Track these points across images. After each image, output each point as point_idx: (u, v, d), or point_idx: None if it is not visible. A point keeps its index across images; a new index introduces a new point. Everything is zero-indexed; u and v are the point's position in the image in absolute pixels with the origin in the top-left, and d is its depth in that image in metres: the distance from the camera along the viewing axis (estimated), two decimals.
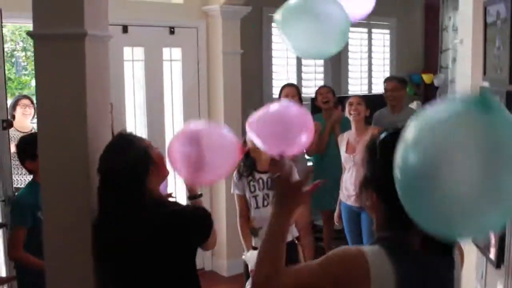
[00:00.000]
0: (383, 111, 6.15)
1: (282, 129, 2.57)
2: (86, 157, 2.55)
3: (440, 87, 8.59)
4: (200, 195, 2.88)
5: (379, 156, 1.82)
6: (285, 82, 7.01)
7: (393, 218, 1.76)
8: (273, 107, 2.74)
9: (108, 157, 2.52)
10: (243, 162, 4.20)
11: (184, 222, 2.51)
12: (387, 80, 6.19)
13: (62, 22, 2.50)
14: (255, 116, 2.67)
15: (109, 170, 2.50)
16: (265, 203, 4.15)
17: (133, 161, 2.49)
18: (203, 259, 6.08)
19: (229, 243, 5.91)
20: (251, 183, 4.18)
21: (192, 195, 2.85)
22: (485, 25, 3.14)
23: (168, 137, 5.63)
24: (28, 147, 3.41)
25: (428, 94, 8.70)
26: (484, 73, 3.22)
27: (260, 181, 4.16)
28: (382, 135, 1.88)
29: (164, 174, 2.68)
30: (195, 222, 2.56)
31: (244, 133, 5.81)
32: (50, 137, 2.58)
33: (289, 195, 1.97)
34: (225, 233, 5.91)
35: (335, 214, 5.34)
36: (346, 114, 5.19)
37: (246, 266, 4.13)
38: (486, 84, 3.22)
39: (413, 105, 8.05)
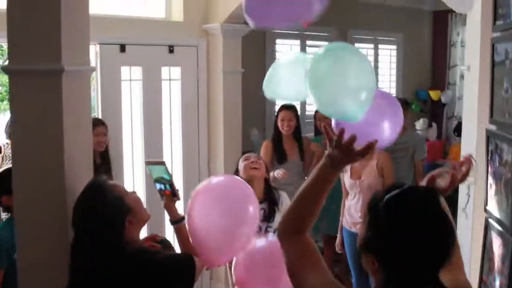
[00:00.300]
0: None
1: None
2: (63, 197, 2.41)
3: (447, 104, 8.43)
4: (183, 218, 2.74)
5: (383, 217, 1.67)
6: (288, 102, 6.89)
7: (392, 283, 1.68)
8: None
9: (80, 213, 2.37)
10: None
11: (165, 271, 2.37)
12: None
13: (38, 57, 2.35)
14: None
15: (83, 229, 2.35)
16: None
17: (107, 215, 2.34)
18: (201, 282, 5.92)
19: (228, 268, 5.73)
20: None
21: (174, 220, 2.72)
22: (493, 63, 2.96)
23: (166, 158, 5.49)
24: (5, 182, 3.24)
25: (435, 111, 8.55)
26: (491, 115, 3.04)
27: None
28: (387, 196, 1.71)
29: (144, 219, 2.53)
30: (176, 272, 2.42)
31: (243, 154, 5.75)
32: (26, 177, 2.43)
33: (343, 153, 1.94)
34: None
35: (337, 241, 5.17)
36: None
37: None
38: (493, 127, 3.05)
39: (419, 122, 7.90)
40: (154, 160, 2.79)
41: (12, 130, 2.48)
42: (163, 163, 2.76)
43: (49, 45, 2.35)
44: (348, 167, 4.92)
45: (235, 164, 5.57)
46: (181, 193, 5.48)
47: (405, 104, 5.87)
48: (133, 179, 5.26)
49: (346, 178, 4.96)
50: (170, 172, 2.76)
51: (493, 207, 3.01)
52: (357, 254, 4.85)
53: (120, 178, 5.05)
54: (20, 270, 2.52)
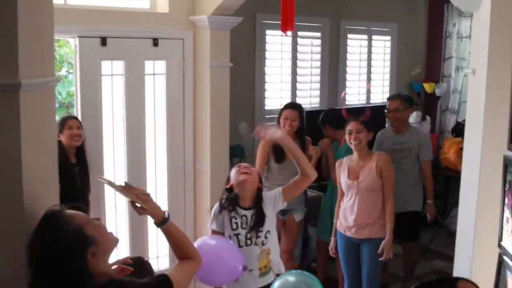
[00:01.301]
0: (386, 131, 5.81)
1: None
2: (23, 235, 2.13)
3: (441, 97, 8.21)
4: (168, 218, 2.52)
5: None
6: (280, 96, 6.66)
7: None
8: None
9: (37, 251, 2.11)
10: (226, 196, 3.82)
11: None
12: (390, 99, 5.74)
13: None
14: None
15: (41, 269, 2.09)
16: (248, 242, 3.73)
17: (67, 251, 2.10)
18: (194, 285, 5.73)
19: None
20: (233, 219, 3.76)
21: (160, 221, 2.51)
22: None
23: (149, 157, 5.24)
24: None
25: (429, 104, 8.33)
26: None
27: (244, 217, 3.75)
28: None
29: (110, 247, 2.27)
30: None
31: (232, 149, 5.52)
32: None
33: None
34: None
35: (331, 245, 4.96)
36: (347, 141, 4.77)
37: None
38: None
39: (413, 115, 7.65)
40: (106, 179, 2.51)
41: None
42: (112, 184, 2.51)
43: (2, 54, 2.03)
44: (345, 167, 4.76)
45: (221, 161, 5.42)
46: (165, 191, 5.30)
47: (409, 101, 5.67)
48: (114, 178, 5.01)
49: (343, 178, 4.78)
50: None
51: (509, 243, 2.79)
52: (352, 257, 4.75)
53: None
54: None
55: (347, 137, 4.70)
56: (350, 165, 4.76)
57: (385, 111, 5.69)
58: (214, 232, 3.83)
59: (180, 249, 2.56)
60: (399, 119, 5.55)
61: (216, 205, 3.86)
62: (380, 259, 4.64)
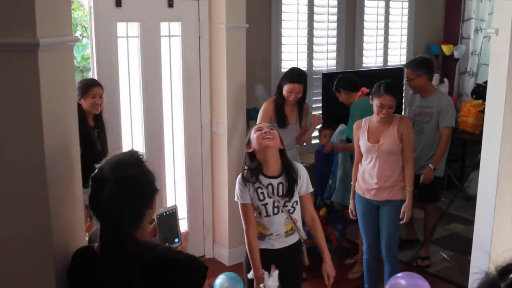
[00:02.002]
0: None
1: None
2: (46, 196, 2.11)
3: (460, 59, 8.09)
4: None
5: None
6: (297, 58, 6.58)
7: None
8: None
9: (121, 166, 2.14)
10: (248, 166, 3.75)
11: (176, 270, 2.15)
12: (405, 67, 5.77)
13: (7, 29, 1.98)
14: None
15: (126, 177, 2.11)
16: (275, 210, 3.70)
17: (147, 179, 2.18)
18: (204, 246, 5.75)
19: (230, 232, 5.58)
20: (259, 190, 3.69)
21: None
22: None
23: (166, 120, 5.21)
24: None
25: (447, 66, 8.21)
26: None
27: (270, 187, 3.67)
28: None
29: (153, 211, 2.28)
30: (188, 272, 2.16)
31: (248, 112, 5.47)
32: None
33: None
34: (227, 221, 5.57)
35: (351, 207, 4.92)
36: (375, 111, 4.64)
37: (247, 255, 3.75)
38: None
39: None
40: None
41: None
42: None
43: (20, 14, 1.99)
44: (365, 130, 4.69)
45: (239, 124, 5.38)
46: (182, 154, 5.29)
47: (423, 67, 5.60)
48: (131, 140, 5.00)
49: (362, 141, 4.71)
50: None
51: None
52: (371, 220, 4.73)
53: (118, 141, 4.81)
54: None
55: (376, 109, 4.58)
56: (370, 127, 4.69)
57: None
58: (243, 205, 3.75)
59: None
60: (415, 86, 5.60)
61: (239, 178, 3.76)
62: (401, 222, 4.63)
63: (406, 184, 4.60)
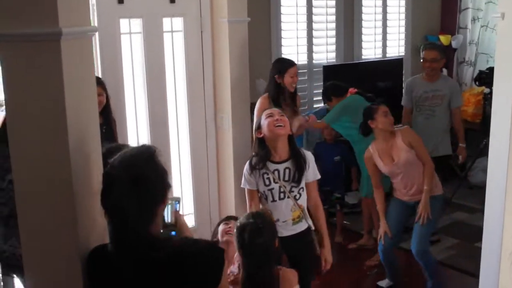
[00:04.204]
0: (417, 79, 5.93)
1: None
2: (70, 183, 2.12)
3: (458, 49, 8.11)
4: None
5: None
6: (297, 51, 6.60)
7: None
8: None
9: (133, 164, 2.12)
10: (257, 152, 3.80)
11: (195, 262, 2.13)
12: (426, 49, 5.80)
13: (30, 19, 1.99)
14: None
15: (139, 176, 2.08)
16: (281, 195, 3.75)
17: (160, 176, 2.16)
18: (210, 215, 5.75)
19: None
20: (265, 175, 3.77)
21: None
22: None
23: (171, 115, 5.20)
24: None
25: (446, 56, 8.20)
26: None
27: (276, 172, 3.74)
28: None
29: (165, 205, 2.26)
30: (207, 262, 2.15)
31: (253, 106, 5.48)
32: (26, 162, 2.12)
33: None
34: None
35: (385, 230, 4.85)
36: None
37: None
38: None
39: None
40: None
41: (6, 107, 2.13)
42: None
43: (42, 3, 2.01)
44: (377, 156, 4.78)
45: (243, 118, 5.38)
46: (187, 149, 5.29)
47: (444, 51, 5.94)
48: (137, 137, 5.00)
49: (381, 167, 4.80)
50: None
51: None
52: (403, 218, 4.79)
53: (124, 137, 4.80)
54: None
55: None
56: (379, 151, 4.79)
57: (421, 60, 5.79)
58: (249, 191, 3.84)
59: None
60: (436, 68, 5.69)
61: (247, 164, 3.85)
62: (416, 220, 4.69)
63: (425, 184, 4.66)
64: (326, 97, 5.83)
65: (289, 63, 5.27)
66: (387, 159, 4.73)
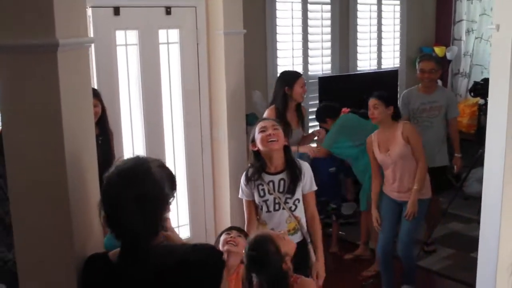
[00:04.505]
0: (413, 91, 5.94)
1: None
2: (65, 190, 2.12)
3: (453, 60, 8.16)
4: None
5: None
6: (292, 63, 6.62)
7: None
8: None
9: (133, 181, 2.11)
10: (252, 164, 3.85)
11: (196, 268, 2.16)
12: (423, 60, 5.82)
13: (26, 30, 1.99)
14: None
15: (141, 195, 2.09)
16: (276, 207, 3.78)
17: (160, 188, 2.17)
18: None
19: None
20: (260, 187, 3.80)
21: None
22: None
23: (166, 127, 5.21)
24: None
25: (442, 67, 8.24)
26: None
27: (271, 183, 3.78)
28: None
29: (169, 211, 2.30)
30: (206, 267, 2.20)
31: (248, 117, 5.49)
32: (22, 173, 2.12)
33: None
34: None
35: (375, 217, 4.98)
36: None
37: None
38: None
39: None
40: None
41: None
42: None
43: (39, 14, 2.00)
44: (375, 142, 4.88)
45: (238, 129, 5.38)
46: (183, 161, 5.29)
47: (440, 63, 5.99)
48: (132, 148, 5.00)
49: (376, 153, 4.89)
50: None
51: None
52: (392, 216, 4.85)
53: (119, 148, 4.80)
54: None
55: (369, 112, 4.86)
56: (379, 139, 4.89)
57: (418, 72, 5.79)
58: (246, 201, 3.90)
59: None
60: (434, 79, 5.74)
61: (243, 175, 3.90)
62: (406, 217, 4.78)
63: (415, 182, 4.74)
64: (320, 119, 5.87)
65: (297, 75, 5.35)
66: (383, 148, 4.83)
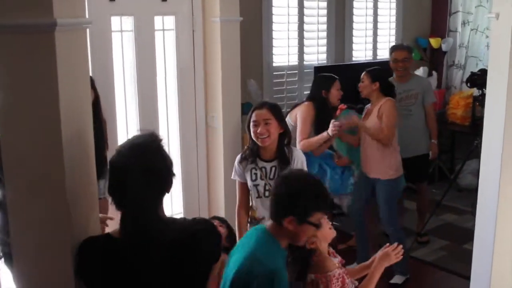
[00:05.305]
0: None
1: None
2: (62, 178, 2.09)
3: (448, 52, 8.13)
4: None
5: None
6: (288, 52, 6.57)
7: None
8: None
9: (143, 153, 2.18)
10: (249, 147, 3.89)
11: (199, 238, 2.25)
12: (396, 49, 5.89)
13: (23, 9, 1.95)
14: None
15: (149, 167, 2.15)
16: (266, 193, 3.81)
17: (167, 165, 2.25)
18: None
19: None
20: (253, 170, 3.84)
21: None
22: None
23: (161, 114, 5.17)
24: None
25: (435, 59, 8.24)
26: None
27: (263, 169, 3.81)
28: None
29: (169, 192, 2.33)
30: (206, 238, 2.28)
31: (243, 107, 5.45)
32: (18, 155, 2.08)
33: None
34: (224, 215, 5.48)
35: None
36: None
37: None
38: None
39: (419, 71, 7.63)
40: None
41: None
42: None
43: None
44: (365, 112, 5.19)
45: (234, 118, 5.35)
46: (178, 148, 5.26)
47: (411, 50, 5.86)
48: (126, 134, 4.95)
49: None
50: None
51: None
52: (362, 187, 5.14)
53: (114, 135, 4.76)
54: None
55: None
56: (367, 112, 5.13)
57: (391, 62, 5.86)
58: (239, 182, 3.96)
59: None
60: (407, 67, 5.83)
61: (238, 156, 3.95)
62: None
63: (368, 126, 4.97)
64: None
65: (333, 78, 5.35)
66: (366, 117, 5.08)
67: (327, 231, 2.96)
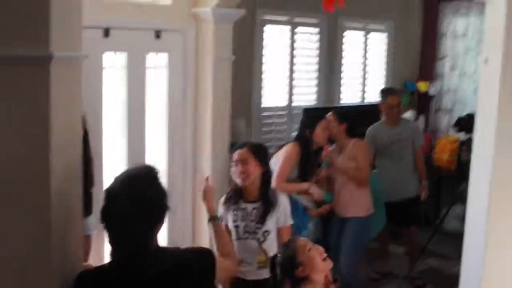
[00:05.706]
0: (379, 125, 5.98)
1: None
2: (48, 207, 2.07)
3: (435, 96, 8.23)
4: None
5: None
6: (277, 93, 6.61)
7: None
8: None
9: (136, 182, 2.23)
10: (232, 189, 3.86)
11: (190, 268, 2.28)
12: (391, 94, 5.89)
13: (21, 41, 1.94)
14: None
15: (139, 194, 2.19)
16: (246, 235, 3.74)
17: (159, 197, 2.27)
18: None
19: None
20: (234, 212, 3.78)
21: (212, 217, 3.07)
22: None
23: (150, 153, 5.13)
24: None
25: (422, 103, 8.33)
26: None
27: (244, 210, 3.75)
28: None
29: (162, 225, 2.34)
30: (200, 264, 2.32)
31: (233, 147, 5.43)
32: (6, 189, 2.05)
33: None
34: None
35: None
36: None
37: None
38: None
39: (407, 114, 7.69)
40: None
41: None
42: None
43: (35, 26, 1.97)
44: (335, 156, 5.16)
45: (222, 158, 5.32)
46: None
47: (401, 94, 5.93)
48: (114, 172, 4.90)
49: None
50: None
51: None
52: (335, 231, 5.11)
53: (100, 172, 4.70)
54: None
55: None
56: (331, 151, 5.18)
57: (384, 107, 5.90)
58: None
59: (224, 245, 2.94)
60: (400, 112, 5.93)
61: (223, 197, 3.89)
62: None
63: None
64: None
65: (318, 118, 5.18)
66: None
67: (319, 264, 2.92)
